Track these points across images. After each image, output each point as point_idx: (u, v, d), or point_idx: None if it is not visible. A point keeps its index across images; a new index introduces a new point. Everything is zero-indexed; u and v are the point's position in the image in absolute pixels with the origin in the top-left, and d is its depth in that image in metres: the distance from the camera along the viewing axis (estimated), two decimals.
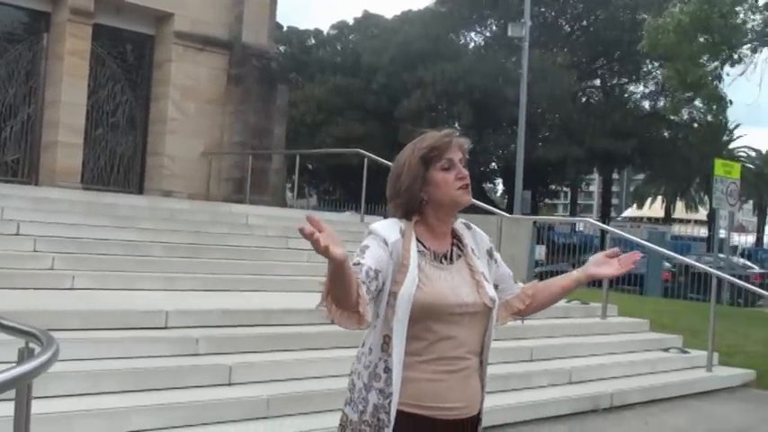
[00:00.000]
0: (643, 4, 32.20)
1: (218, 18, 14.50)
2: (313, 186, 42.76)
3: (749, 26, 20.35)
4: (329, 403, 4.89)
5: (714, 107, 22.62)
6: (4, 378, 2.25)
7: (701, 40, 19.52)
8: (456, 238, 2.36)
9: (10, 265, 6.73)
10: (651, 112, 36.93)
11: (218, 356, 5.42)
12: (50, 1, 12.83)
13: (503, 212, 12.22)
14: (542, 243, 18.17)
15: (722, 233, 21.08)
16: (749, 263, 26.66)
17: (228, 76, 14.56)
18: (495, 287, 2.36)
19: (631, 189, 67.39)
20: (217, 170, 14.31)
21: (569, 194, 47.68)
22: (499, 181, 45.20)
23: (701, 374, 8.26)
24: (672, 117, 32.94)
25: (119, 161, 13.83)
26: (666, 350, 8.74)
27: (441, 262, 2.28)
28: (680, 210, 50.51)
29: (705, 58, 20.20)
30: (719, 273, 10.02)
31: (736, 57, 20.52)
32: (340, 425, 2.27)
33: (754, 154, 48.94)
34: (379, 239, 2.21)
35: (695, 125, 34.74)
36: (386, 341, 2.19)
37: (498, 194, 50.52)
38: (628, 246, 10.49)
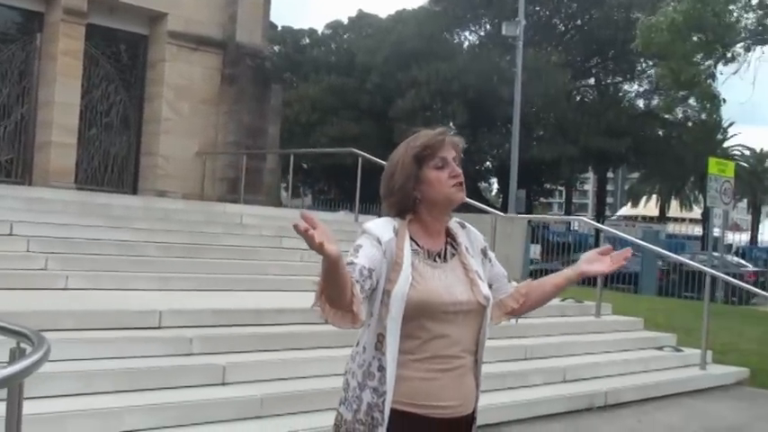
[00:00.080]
0: (637, 3, 32.23)
1: (212, 18, 14.48)
2: (308, 186, 42.74)
3: (743, 25, 20.38)
4: (323, 403, 4.88)
5: (708, 106, 22.67)
6: None
7: (695, 38, 19.54)
8: (450, 237, 2.36)
9: (3, 266, 6.70)
10: (645, 111, 37.02)
11: (212, 356, 5.41)
12: (44, 1, 12.79)
13: (497, 211, 12.25)
14: (537, 242, 18.22)
15: (716, 231, 21.13)
16: (743, 261, 26.73)
17: (222, 76, 14.55)
18: (490, 286, 2.36)
19: (626, 188, 67.66)
20: (211, 170, 14.29)
21: (564, 193, 47.68)
22: (494, 180, 45.32)
23: (695, 372, 8.28)
24: (666, 116, 33.02)
25: (113, 161, 13.80)
26: (660, 348, 8.76)
27: (435, 260, 2.28)
28: (674, 208, 50.58)
29: (699, 57, 20.22)
30: (713, 271, 10.05)
31: (729, 55, 20.54)
32: (334, 424, 2.27)
33: (748, 152, 49.18)
34: (372, 238, 2.21)
35: (689, 124, 34.77)
36: (380, 340, 2.18)
37: (493, 193, 50.60)
38: (622, 244, 10.51)
